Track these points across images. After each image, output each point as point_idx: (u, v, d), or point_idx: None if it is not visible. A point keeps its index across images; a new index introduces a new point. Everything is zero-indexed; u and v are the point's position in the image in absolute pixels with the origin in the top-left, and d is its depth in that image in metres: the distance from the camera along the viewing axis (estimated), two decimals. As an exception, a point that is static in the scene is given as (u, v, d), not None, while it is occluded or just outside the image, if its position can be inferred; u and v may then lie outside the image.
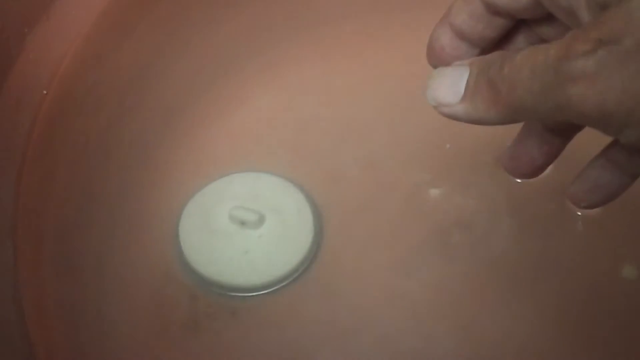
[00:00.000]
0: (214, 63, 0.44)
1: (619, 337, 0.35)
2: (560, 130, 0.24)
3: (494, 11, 0.22)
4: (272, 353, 0.35)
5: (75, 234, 0.38)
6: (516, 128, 0.25)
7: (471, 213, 0.38)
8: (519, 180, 0.38)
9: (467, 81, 0.21)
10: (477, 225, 0.38)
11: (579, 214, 0.37)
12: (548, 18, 0.22)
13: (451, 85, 0.21)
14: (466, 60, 0.22)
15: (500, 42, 0.23)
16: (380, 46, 0.45)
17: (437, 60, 0.24)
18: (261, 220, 0.37)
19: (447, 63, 0.23)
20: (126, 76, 0.42)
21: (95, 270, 0.38)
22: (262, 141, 0.42)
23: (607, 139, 0.22)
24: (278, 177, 0.40)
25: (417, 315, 0.36)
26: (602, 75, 0.18)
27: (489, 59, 0.21)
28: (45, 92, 0.39)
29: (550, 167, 0.26)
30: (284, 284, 0.37)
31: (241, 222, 0.37)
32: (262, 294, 0.37)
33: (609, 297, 0.36)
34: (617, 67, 0.17)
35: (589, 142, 0.24)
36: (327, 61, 0.44)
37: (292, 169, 0.40)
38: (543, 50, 0.19)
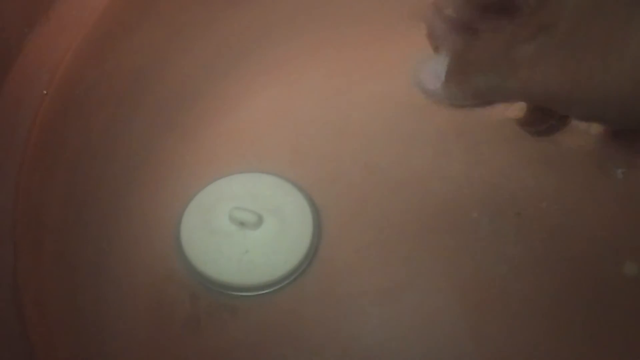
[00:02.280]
0: (214, 63, 0.44)
1: (620, 333, 0.35)
2: None
3: None
4: (272, 352, 0.35)
5: (75, 234, 0.38)
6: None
7: (472, 212, 0.38)
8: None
9: (447, 68, 0.23)
10: (478, 224, 0.38)
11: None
12: None
13: (434, 72, 0.23)
14: (446, 47, 0.24)
15: None
16: (380, 46, 0.45)
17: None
18: (260, 220, 0.38)
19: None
20: (126, 76, 0.42)
21: (95, 270, 0.37)
22: (261, 141, 0.42)
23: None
24: (278, 177, 0.40)
25: (417, 315, 0.36)
26: (542, 59, 0.19)
27: (460, 45, 0.23)
28: (45, 92, 0.39)
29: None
30: (283, 283, 0.37)
31: (240, 223, 0.37)
32: (262, 293, 0.37)
33: (610, 293, 0.36)
34: (554, 51, 0.19)
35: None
36: (327, 61, 0.44)
37: (292, 169, 0.40)
38: (497, 37, 0.21)
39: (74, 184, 0.39)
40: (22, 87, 0.38)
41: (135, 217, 0.39)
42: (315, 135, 0.42)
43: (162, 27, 0.43)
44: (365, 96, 0.43)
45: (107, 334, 0.36)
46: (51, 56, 0.39)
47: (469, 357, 0.35)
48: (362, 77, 0.44)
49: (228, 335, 0.36)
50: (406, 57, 0.44)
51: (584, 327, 0.35)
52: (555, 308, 0.35)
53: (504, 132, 0.39)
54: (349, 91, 0.44)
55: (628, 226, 0.37)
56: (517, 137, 0.37)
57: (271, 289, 0.37)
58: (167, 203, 0.39)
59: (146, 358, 0.36)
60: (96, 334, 0.36)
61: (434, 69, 0.23)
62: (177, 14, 0.43)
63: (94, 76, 0.41)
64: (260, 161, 0.41)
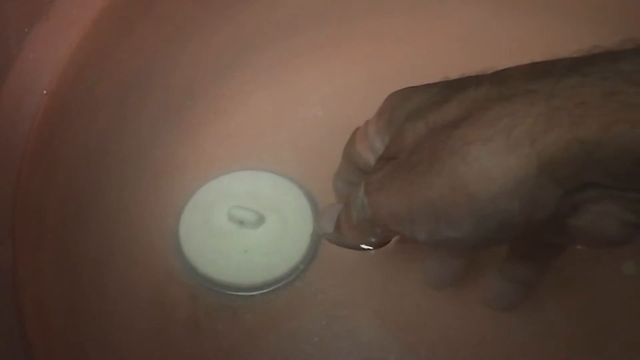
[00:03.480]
0: (214, 63, 0.44)
1: (619, 332, 0.35)
2: None
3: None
4: (272, 352, 0.35)
5: (75, 233, 0.38)
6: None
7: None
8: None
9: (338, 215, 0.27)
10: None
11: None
12: None
13: (331, 219, 0.27)
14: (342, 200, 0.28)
15: None
16: (381, 46, 0.45)
17: None
18: (260, 219, 0.37)
19: None
20: (126, 76, 0.42)
21: (95, 270, 0.38)
22: (261, 140, 0.42)
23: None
24: (278, 176, 0.40)
25: (418, 315, 0.36)
26: (386, 184, 0.22)
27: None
28: (45, 92, 0.39)
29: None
30: (283, 283, 0.37)
31: (240, 222, 0.37)
32: (262, 293, 0.37)
33: (609, 293, 0.36)
34: (394, 175, 0.22)
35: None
36: (327, 61, 0.44)
37: (292, 168, 0.40)
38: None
39: (74, 184, 0.39)
40: (22, 87, 0.38)
41: (135, 216, 0.39)
42: (315, 133, 0.42)
43: (162, 27, 0.43)
44: (366, 95, 0.43)
45: (107, 334, 0.36)
46: (51, 56, 0.39)
47: (467, 357, 0.35)
48: (362, 76, 0.44)
49: (227, 335, 0.36)
50: (407, 56, 0.44)
51: (581, 326, 0.35)
52: (552, 307, 0.35)
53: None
54: (350, 90, 0.43)
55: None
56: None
57: (271, 289, 0.37)
58: (166, 202, 0.39)
59: (145, 358, 0.36)
60: (96, 333, 0.36)
61: (332, 215, 0.27)
62: (176, 14, 0.43)
63: (94, 76, 0.41)
64: (260, 160, 0.41)
